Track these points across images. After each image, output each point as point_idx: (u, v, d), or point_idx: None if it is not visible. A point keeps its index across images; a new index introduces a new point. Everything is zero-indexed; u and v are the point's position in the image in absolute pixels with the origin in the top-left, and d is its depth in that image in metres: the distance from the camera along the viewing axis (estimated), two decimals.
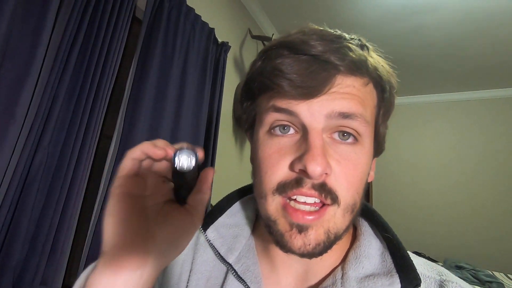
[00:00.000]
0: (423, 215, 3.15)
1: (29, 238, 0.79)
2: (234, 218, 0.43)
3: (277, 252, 0.37)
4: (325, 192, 0.29)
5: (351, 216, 0.32)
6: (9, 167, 0.73)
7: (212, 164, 1.50)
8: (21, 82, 0.73)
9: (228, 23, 1.87)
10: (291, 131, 0.32)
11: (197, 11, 1.40)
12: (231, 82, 1.89)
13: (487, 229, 2.86)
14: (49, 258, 0.83)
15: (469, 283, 2.10)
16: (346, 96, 0.30)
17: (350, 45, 0.31)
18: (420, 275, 0.33)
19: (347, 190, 0.30)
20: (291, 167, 0.30)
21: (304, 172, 0.29)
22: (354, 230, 0.40)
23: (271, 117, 0.32)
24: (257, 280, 0.37)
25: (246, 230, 0.42)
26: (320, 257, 0.34)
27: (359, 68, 0.31)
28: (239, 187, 0.48)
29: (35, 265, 0.79)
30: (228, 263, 0.39)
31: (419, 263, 0.36)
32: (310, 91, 0.29)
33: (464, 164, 3.10)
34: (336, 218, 0.30)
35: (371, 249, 0.36)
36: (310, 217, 0.29)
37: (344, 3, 2.00)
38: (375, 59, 0.34)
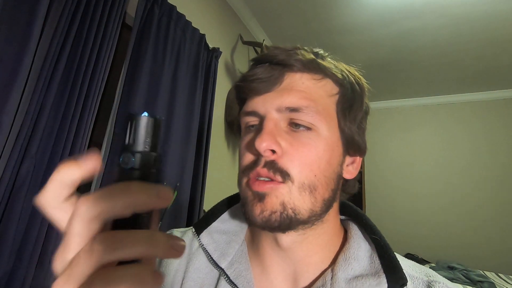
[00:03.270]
0: (415, 218, 3.19)
1: (15, 249, 0.77)
2: (227, 223, 0.45)
3: (267, 254, 0.39)
4: (274, 169, 0.34)
5: (312, 198, 0.34)
6: None
7: (204, 170, 1.49)
8: (7, 90, 0.72)
9: (219, 29, 1.88)
10: (255, 126, 0.38)
11: (188, 18, 1.40)
12: (222, 88, 1.89)
13: (478, 230, 2.91)
14: (36, 269, 0.80)
15: (461, 283, 2.12)
16: (292, 92, 0.36)
17: (302, 51, 0.38)
18: (408, 276, 0.35)
19: (300, 169, 0.34)
20: (250, 150, 0.36)
21: (256, 151, 0.34)
22: (344, 233, 0.42)
23: (244, 120, 0.39)
24: (249, 285, 0.38)
25: (239, 236, 0.43)
26: (302, 252, 0.37)
27: (306, 66, 0.37)
28: (232, 191, 0.49)
29: (22, 277, 0.77)
30: (220, 268, 0.40)
31: (407, 265, 0.38)
32: (264, 86, 0.37)
33: (454, 166, 3.16)
34: (292, 194, 0.34)
35: (360, 251, 0.37)
36: (266, 185, 0.34)
37: (332, 9, 2.03)
38: (328, 61, 0.40)
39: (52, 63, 0.84)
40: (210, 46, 1.62)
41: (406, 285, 0.34)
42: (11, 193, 0.77)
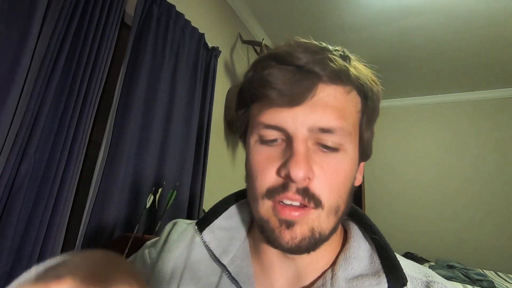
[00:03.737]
0: (414, 216, 3.19)
1: (14, 249, 0.77)
2: (229, 221, 0.45)
3: (269, 255, 0.39)
4: (308, 196, 0.32)
5: (335, 218, 0.34)
6: None
7: (204, 169, 1.49)
8: (6, 89, 0.71)
9: (218, 28, 1.88)
10: (278, 141, 0.35)
11: (187, 17, 1.40)
12: (222, 87, 1.89)
13: (477, 228, 2.92)
14: None
15: (460, 282, 2.13)
16: (326, 109, 0.33)
17: (332, 56, 0.34)
18: (407, 276, 0.35)
19: (330, 195, 0.33)
20: (278, 172, 0.33)
21: (288, 177, 0.31)
22: (345, 234, 0.41)
23: (261, 131, 0.35)
24: (250, 281, 0.38)
25: (241, 233, 0.43)
26: (310, 259, 0.36)
27: (340, 77, 0.33)
28: (231, 190, 0.48)
29: None
30: (222, 264, 0.40)
31: (406, 265, 0.37)
32: (294, 98, 0.32)
33: (453, 165, 3.16)
34: (320, 219, 0.33)
35: (360, 250, 0.37)
36: (296, 213, 0.32)
37: (332, 8, 2.03)
38: (357, 68, 0.36)
39: (51, 62, 0.84)
40: (209, 45, 1.61)
41: (406, 285, 0.34)
42: (10, 193, 0.77)
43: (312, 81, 0.32)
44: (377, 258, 0.36)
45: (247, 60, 2.30)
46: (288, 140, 0.34)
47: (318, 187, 0.32)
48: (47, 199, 0.82)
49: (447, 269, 2.22)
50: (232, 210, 0.46)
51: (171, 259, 0.43)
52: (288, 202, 0.32)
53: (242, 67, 2.17)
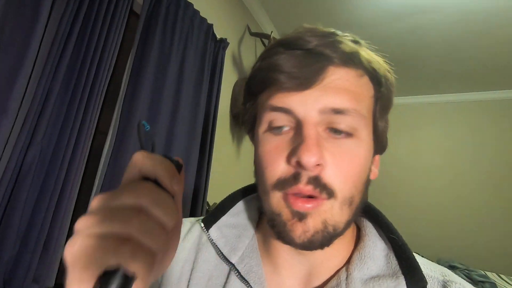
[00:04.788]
0: (417, 215, 3.18)
1: (21, 235, 0.78)
2: (237, 217, 0.43)
3: (280, 253, 0.37)
4: (320, 186, 0.30)
5: (349, 210, 0.32)
6: (0, 163, 0.71)
7: (209, 162, 1.49)
8: (14, 76, 0.71)
9: (227, 20, 1.85)
10: (286, 128, 0.33)
11: (196, 7, 1.38)
12: (229, 79, 1.88)
13: (480, 229, 2.89)
14: (41, 255, 0.81)
15: None
16: (339, 90, 0.31)
17: (342, 39, 0.32)
18: (424, 275, 0.33)
19: (344, 183, 0.31)
20: (288, 161, 0.31)
21: (299, 165, 0.30)
22: (358, 231, 0.40)
23: (269, 117, 0.33)
24: (261, 281, 0.36)
25: (249, 230, 0.42)
26: (324, 256, 0.35)
27: (351, 59, 0.32)
28: (236, 184, 0.47)
29: (27, 263, 0.78)
30: (231, 263, 0.38)
31: (422, 263, 0.36)
32: (304, 81, 0.30)
33: (459, 165, 3.13)
34: (333, 210, 0.31)
35: (375, 250, 0.35)
36: (309, 205, 0.30)
37: (342, 3, 1.99)
38: (368, 53, 0.34)
39: (59, 49, 0.83)
40: (218, 36, 1.59)
41: (426, 287, 0.32)
42: (17, 179, 0.77)
43: (322, 64, 0.31)
44: (394, 258, 0.34)
45: (255, 52, 2.27)
46: (298, 126, 0.32)
47: (331, 176, 0.30)
48: (53, 185, 0.82)
49: (449, 269, 2.22)
50: (240, 206, 0.44)
51: (179, 261, 0.41)
52: (300, 195, 0.31)
53: (249, 60, 2.14)
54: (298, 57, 0.31)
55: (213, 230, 0.41)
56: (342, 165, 0.31)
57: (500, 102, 3.09)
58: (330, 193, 0.30)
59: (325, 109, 0.30)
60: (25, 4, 0.74)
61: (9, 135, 0.72)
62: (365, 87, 0.33)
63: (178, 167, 0.27)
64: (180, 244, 0.43)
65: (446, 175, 3.15)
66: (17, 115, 0.73)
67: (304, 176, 0.30)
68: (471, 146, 3.11)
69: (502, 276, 2.41)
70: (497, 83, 2.89)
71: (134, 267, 0.20)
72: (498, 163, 2.96)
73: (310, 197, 0.30)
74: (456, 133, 3.21)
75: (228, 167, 1.92)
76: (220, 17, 1.75)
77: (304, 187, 0.30)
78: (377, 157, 0.38)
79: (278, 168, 0.32)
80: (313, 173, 0.30)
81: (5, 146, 0.71)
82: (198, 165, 1.42)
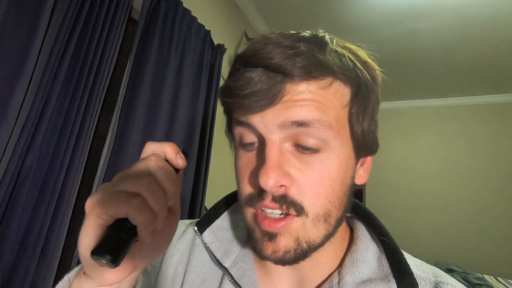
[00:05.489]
0: (414, 219, 3.19)
1: (19, 239, 0.78)
2: (230, 221, 0.43)
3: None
4: (287, 203, 0.29)
5: (326, 225, 0.31)
6: None
7: (207, 167, 1.50)
8: (13, 82, 0.72)
9: (224, 26, 1.88)
10: (255, 145, 0.33)
11: (193, 13, 1.40)
12: None
13: (477, 232, 2.91)
14: (39, 260, 0.81)
15: None
16: (299, 103, 0.29)
17: (307, 49, 0.29)
18: (415, 278, 0.33)
19: (314, 200, 0.30)
20: (249, 181, 0.32)
21: (259, 186, 0.29)
22: (351, 233, 0.40)
23: (237, 131, 0.34)
24: (254, 285, 0.37)
25: (242, 234, 0.42)
26: (312, 264, 0.35)
27: (311, 71, 0.29)
28: (234, 188, 0.47)
29: (25, 267, 0.78)
30: (224, 267, 0.38)
31: (414, 263, 0.36)
32: (262, 103, 0.29)
33: (456, 169, 3.15)
34: (306, 227, 0.30)
35: (368, 253, 0.35)
36: (278, 225, 0.30)
37: (338, 8, 2.02)
38: (340, 55, 0.31)
39: (59, 56, 0.84)
40: (215, 42, 1.61)
41: None
42: (15, 184, 0.78)
43: (279, 82, 0.29)
44: (386, 261, 0.34)
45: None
46: (261, 144, 0.31)
47: (298, 193, 0.29)
48: (52, 190, 0.83)
49: (447, 273, 2.22)
50: (233, 209, 0.44)
51: (172, 263, 0.41)
52: (269, 211, 0.30)
53: None
54: (254, 77, 0.29)
55: (207, 233, 0.41)
56: (311, 182, 0.30)
57: (494, 106, 3.13)
58: (299, 210, 0.29)
59: (286, 122, 0.29)
60: (25, 11, 0.76)
61: (8, 140, 0.73)
62: (334, 95, 0.31)
63: (184, 153, 0.31)
64: (175, 245, 0.43)
65: (443, 179, 3.17)
66: (16, 120, 0.74)
67: (269, 195, 0.30)
68: (468, 150, 3.14)
69: (499, 279, 2.41)
70: (491, 87, 2.94)
71: (138, 219, 0.23)
72: (492, 167, 2.99)
73: (281, 216, 0.30)
74: (451, 137, 3.24)
75: (226, 172, 1.92)
76: (217, 23, 1.78)
77: (269, 203, 0.30)
78: (369, 159, 0.37)
79: (247, 186, 0.32)
80: (276, 193, 0.29)
81: (4, 151, 0.71)
82: (196, 169, 1.42)
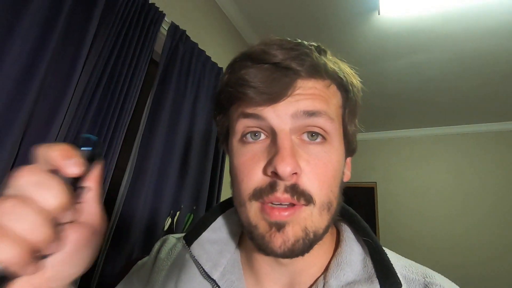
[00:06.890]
0: (427, 244, 3.11)
1: None
2: (218, 233, 0.42)
3: (262, 265, 0.37)
4: (298, 194, 0.30)
5: (328, 215, 0.32)
6: None
7: (219, 193, 1.54)
8: (52, 118, 0.81)
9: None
10: (262, 136, 0.33)
11: (208, 53, 1.53)
12: None
13: (492, 260, 2.80)
14: None
15: None
16: (309, 96, 0.32)
17: (308, 51, 0.33)
18: (403, 278, 0.33)
19: (321, 189, 0.31)
20: (264, 171, 0.31)
21: (275, 175, 0.30)
22: (337, 235, 0.39)
23: (241, 124, 0.33)
24: None
25: (231, 245, 0.41)
26: (304, 264, 0.35)
27: (318, 71, 0.33)
28: None
29: None
30: (212, 279, 0.37)
31: (404, 265, 0.36)
32: (274, 96, 0.31)
33: (467, 195, 3.11)
34: (313, 216, 0.31)
35: (352, 255, 0.35)
36: (286, 213, 0.30)
37: (342, 42, 2.14)
38: (334, 62, 0.36)
39: (90, 94, 0.94)
40: None
41: None
42: None
43: (290, 78, 0.31)
44: (370, 262, 0.34)
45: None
46: (272, 135, 0.32)
47: (307, 182, 0.30)
48: None
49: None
50: (220, 220, 0.43)
51: (161, 280, 0.41)
52: (277, 203, 0.30)
53: None
54: (265, 71, 0.31)
55: (195, 246, 0.41)
56: (318, 171, 0.31)
57: (502, 133, 3.13)
58: (308, 200, 0.30)
59: (298, 112, 0.31)
60: (65, 58, 0.86)
61: None
62: (333, 95, 0.34)
63: (95, 154, 0.25)
64: (164, 261, 0.43)
65: (456, 204, 3.15)
66: None
67: (281, 185, 0.30)
68: (478, 177, 3.12)
69: None
70: (496, 115, 2.97)
71: (2, 256, 0.18)
72: (504, 192, 2.95)
73: (291, 204, 0.30)
74: (463, 163, 3.23)
75: None
76: (229, 61, 1.91)
77: (281, 195, 0.30)
78: (349, 159, 0.39)
79: (255, 178, 0.31)
80: (289, 182, 0.30)
81: None
82: (209, 196, 1.46)
